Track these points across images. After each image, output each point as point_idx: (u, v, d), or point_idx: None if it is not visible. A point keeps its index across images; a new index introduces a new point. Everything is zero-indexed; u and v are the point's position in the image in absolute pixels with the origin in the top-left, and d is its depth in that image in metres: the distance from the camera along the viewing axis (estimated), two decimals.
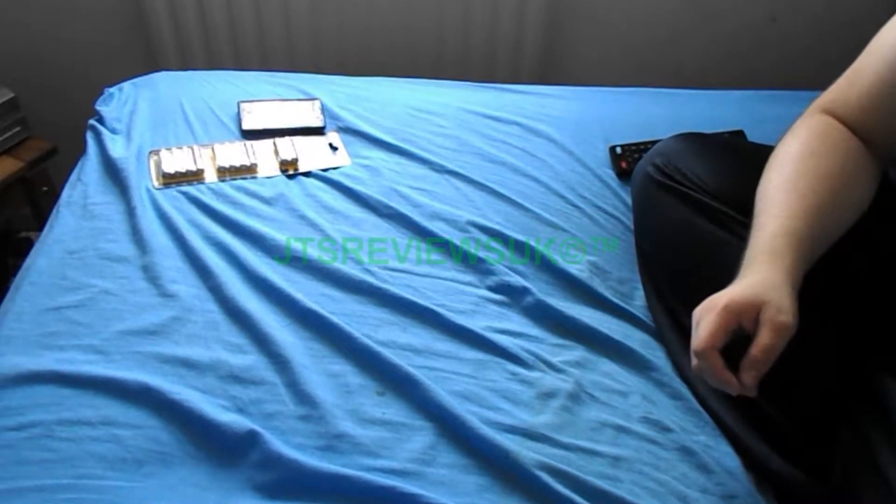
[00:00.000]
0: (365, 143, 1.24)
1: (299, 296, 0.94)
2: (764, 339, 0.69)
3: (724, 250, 0.75)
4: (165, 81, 1.35)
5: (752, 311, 0.70)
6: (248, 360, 0.88)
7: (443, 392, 0.84)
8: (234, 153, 1.18)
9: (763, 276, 0.73)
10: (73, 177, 1.15)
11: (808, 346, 0.86)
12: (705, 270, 0.90)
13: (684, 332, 0.87)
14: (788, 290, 0.71)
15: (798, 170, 0.80)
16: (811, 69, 1.74)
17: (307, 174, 1.17)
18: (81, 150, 1.20)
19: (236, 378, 0.85)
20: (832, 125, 0.84)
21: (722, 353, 0.71)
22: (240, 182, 1.14)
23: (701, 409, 0.88)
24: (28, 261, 1.00)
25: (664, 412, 0.87)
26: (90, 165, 1.15)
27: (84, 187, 1.11)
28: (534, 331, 0.95)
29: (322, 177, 1.17)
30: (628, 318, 0.99)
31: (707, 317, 0.72)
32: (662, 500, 0.78)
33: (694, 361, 0.72)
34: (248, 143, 1.21)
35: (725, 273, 0.77)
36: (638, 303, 1.01)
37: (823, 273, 0.80)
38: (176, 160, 1.15)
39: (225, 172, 1.15)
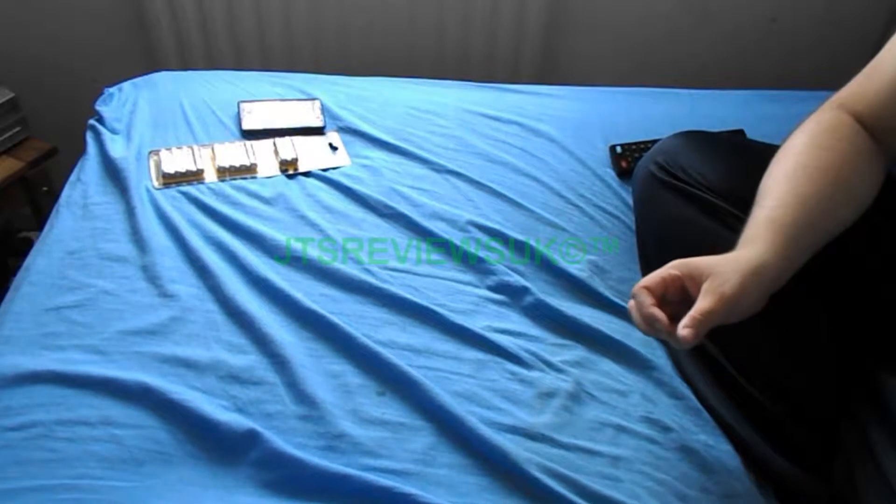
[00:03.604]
0: (365, 143, 1.24)
1: (299, 296, 0.94)
2: (705, 303, 0.69)
3: (727, 247, 0.75)
4: (165, 81, 1.35)
5: (697, 276, 0.71)
6: (248, 360, 0.88)
7: (443, 392, 0.84)
8: (234, 153, 1.18)
9: (730, 255, 0.73)
10: (73, 177, 1.15)
11: (810, 345, 0.86)
12: None
13: None
14: (744, 268, 0.70)
15: (799, 162, 0.79)
16: (811, 69, 1.75)
17: (307, 174, 1.17)
18: (81, 150, 1.20)
19: (236, 378, 0.85)
20: (843, 120, 0.83)
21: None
22: (240, 182, 1.14)
23: (701, 408, 0.88)
24: (28, 261, 1.00)
25: (664, 411, 0.87)
26: (90, 165, 1.15)
27: (84, 187, 1.11)
28: (533, 330, 0.95)
29: (322, 177, 1.17)
30: (628, 317, 0.98)
31: None
32: (662, 500, 0.78)
33: (630, 302, 0.74)
34: (248, 143, 1.21)
35: None
36: None
37: (825, 271, 0.80)
38: (176, 160, 1.15)
39: (225, 172, 1.15)
